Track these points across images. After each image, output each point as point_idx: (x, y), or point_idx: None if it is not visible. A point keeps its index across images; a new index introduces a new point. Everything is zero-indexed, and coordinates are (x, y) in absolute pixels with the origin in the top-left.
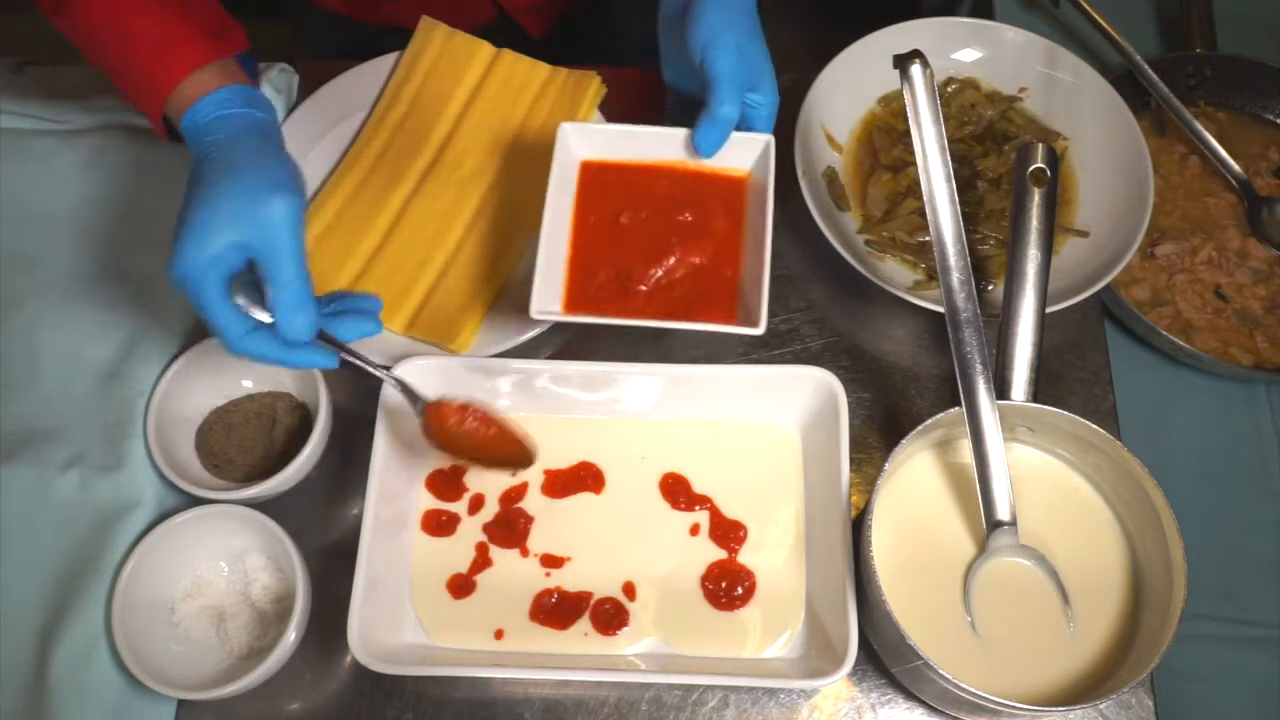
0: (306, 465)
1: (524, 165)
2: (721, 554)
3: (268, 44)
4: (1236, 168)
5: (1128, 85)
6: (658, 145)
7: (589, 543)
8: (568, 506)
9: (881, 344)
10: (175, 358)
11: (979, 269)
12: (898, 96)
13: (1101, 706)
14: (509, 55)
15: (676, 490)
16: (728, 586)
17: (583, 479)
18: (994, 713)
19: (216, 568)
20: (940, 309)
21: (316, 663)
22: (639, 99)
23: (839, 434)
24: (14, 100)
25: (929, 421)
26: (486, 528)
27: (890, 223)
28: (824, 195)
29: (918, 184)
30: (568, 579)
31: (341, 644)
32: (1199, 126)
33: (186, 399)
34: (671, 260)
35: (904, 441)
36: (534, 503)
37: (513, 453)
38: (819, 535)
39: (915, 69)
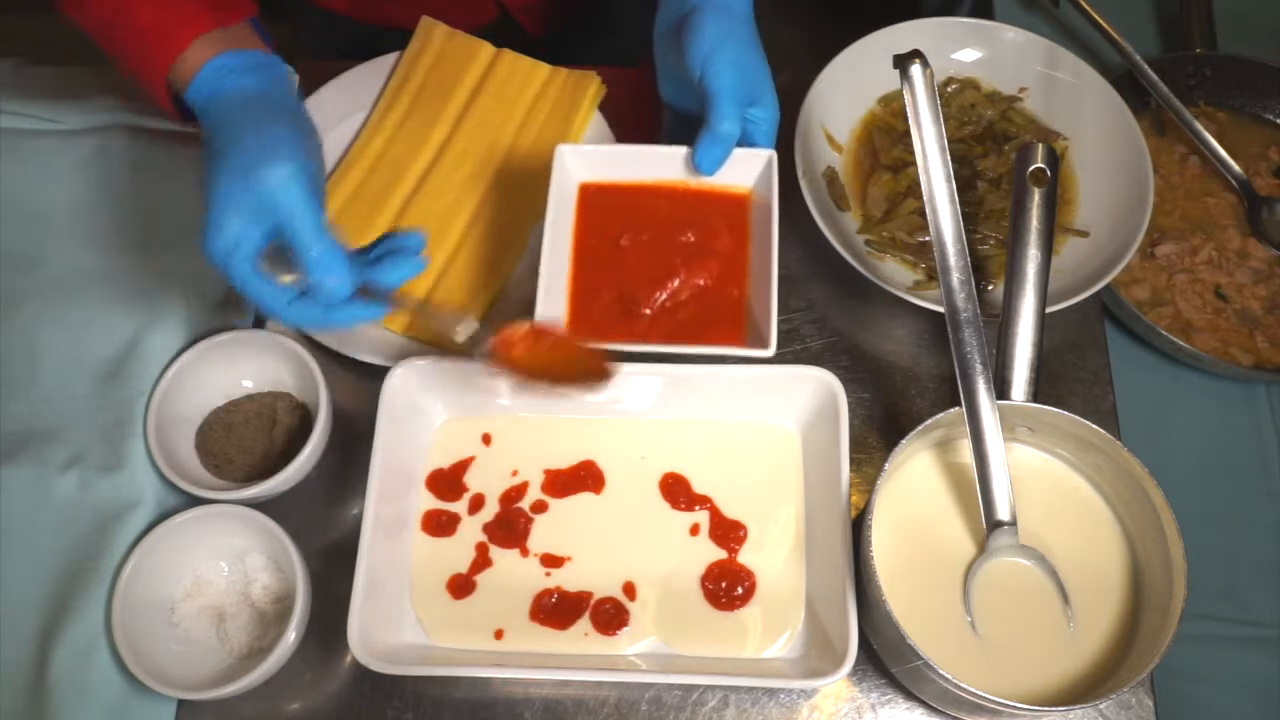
0: (306, 465)
1: (524, 165)
2: (721, 554)
3: None
4: (1236, 168)
5: (1128, 85)
6: (657, 165)
7: (589, 543)
8: (568, 506)
9: (881, 344)
10: (175, 358)
11: (979, 269)
12: (898, 96)
13: (1101, 706)
14: (509, 55)
15: (676, 490)
16: (728, 586)
17: (583, 479)
18: (994, 713)
19: (216, 568)
20: (940, 309)
21: (316, 663)
22: (639, 99)
23: (839, 434)
24: (14, 100)
25: (929, 421)
26: (486, 528)
27: (890, 223)
28: (824, 195)
29: (918, 184)
30: (568, 579)
31: (341, 644)
32: (1199, 126)
33: (186, 399)
34: (675, 282)
35: (904, 441)
36: (534, 503)
37: (589, 368)
38: (819, 535)
39: (915, 69)
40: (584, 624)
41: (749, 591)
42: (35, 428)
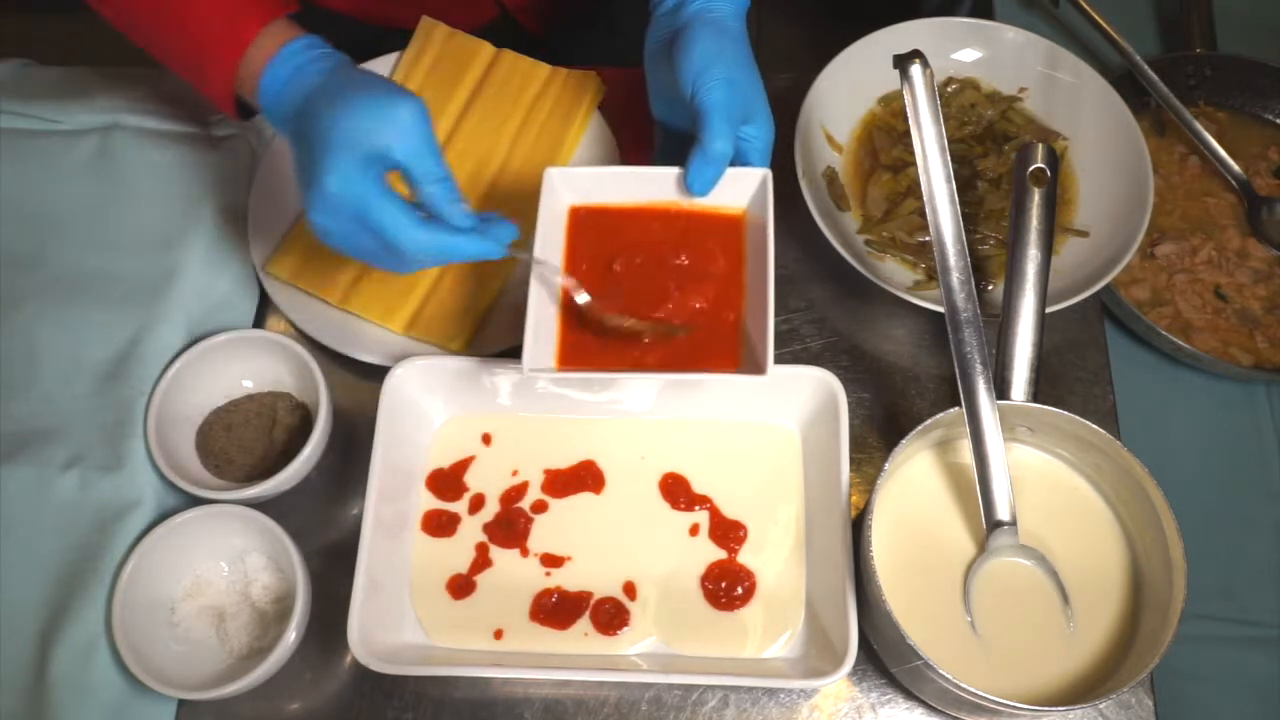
0: (306, 465)
1: (525, 165)
2: (721, 554)
3: None
4: (1236, 168)
5: (1128, 85)
6: (648, 186)
7: (589, 543)
8: (568, 506)
9: (881, 344)
10: (175, 358)
11: (979, 269)
12: (898, 96)
13: (1101, 706)
14: (509, 55)
15: (676, 490)
16: (728, 586)
17: (583, 479)
18: (994, 713)
19: (216, 568)
20: (940, 309)
21: (316, 663)
22: (639, 99)
23: (839, 434)
24: (14, 100)
25: (929, 421)
26: (486, 528)
27: (890, 223)
28: (824, 195)
29: (918, 184)
30: (568, 579)
31: (341, 644)
32: (1199, 126)
33: (186, 399)
34: (669, 306)
35: (904, 441)
36: (534, 503)
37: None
38: (819, 535)
39: (915, 69)
40: (584, 624)
41: (749, 591)
42: (35, 428)
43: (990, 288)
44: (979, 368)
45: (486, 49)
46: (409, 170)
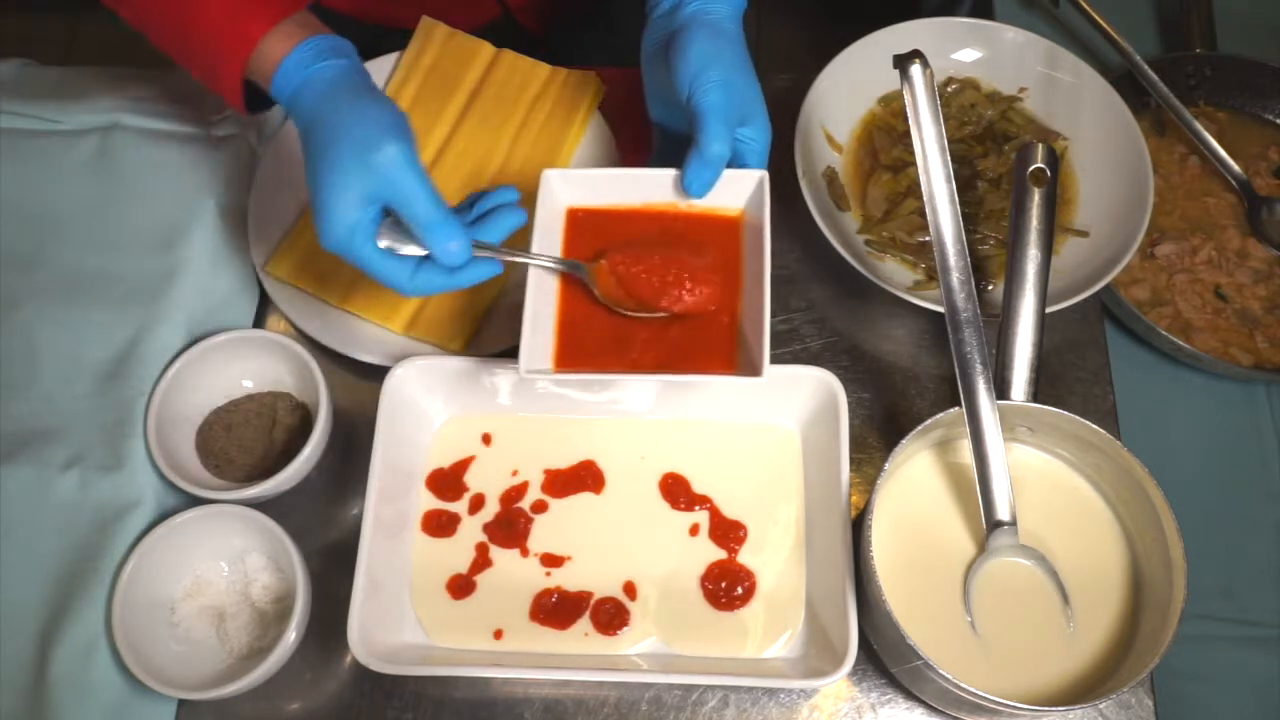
0: (306, 465)
1: (525, 165)
2: (721, 554)
3: None
4: (1236, 168)
5: (1128, 85)
6: (645, 188)
7: (589, 543)
8: (568, 506)
9: (881, 344)
10: (175, 358)
11: (979, 269)
12: (898, 96)
13: (1101, 706)
14: (509, 55)
15: (676, 490)
16: (728, 586)
17: (583, 479)
18: (994, 713)
19: (216, 568)
20: (940, 309)
21: (316, 663)
22: (639, 99)
23: (839, 434)
24: (14, 100)
25: (929, 421)
26: (486, 528)
27: (890, 223)
28: (824, 195)
29: (918, 184)
30: (568, 579)
31: (341, 644)
32: (1199, 126)
33: (186, 399)
34: (665, 306)
35: (904, 441)
36: (534, 503)
37: (695, 272)
38: (819, 535)
39: (915, 69)
40: (584, 624)
41: (749, 591)
42: (35, 428)
43: (990, 288)
44: (979, 368)
45: (486, 49)
46: (398, 213)
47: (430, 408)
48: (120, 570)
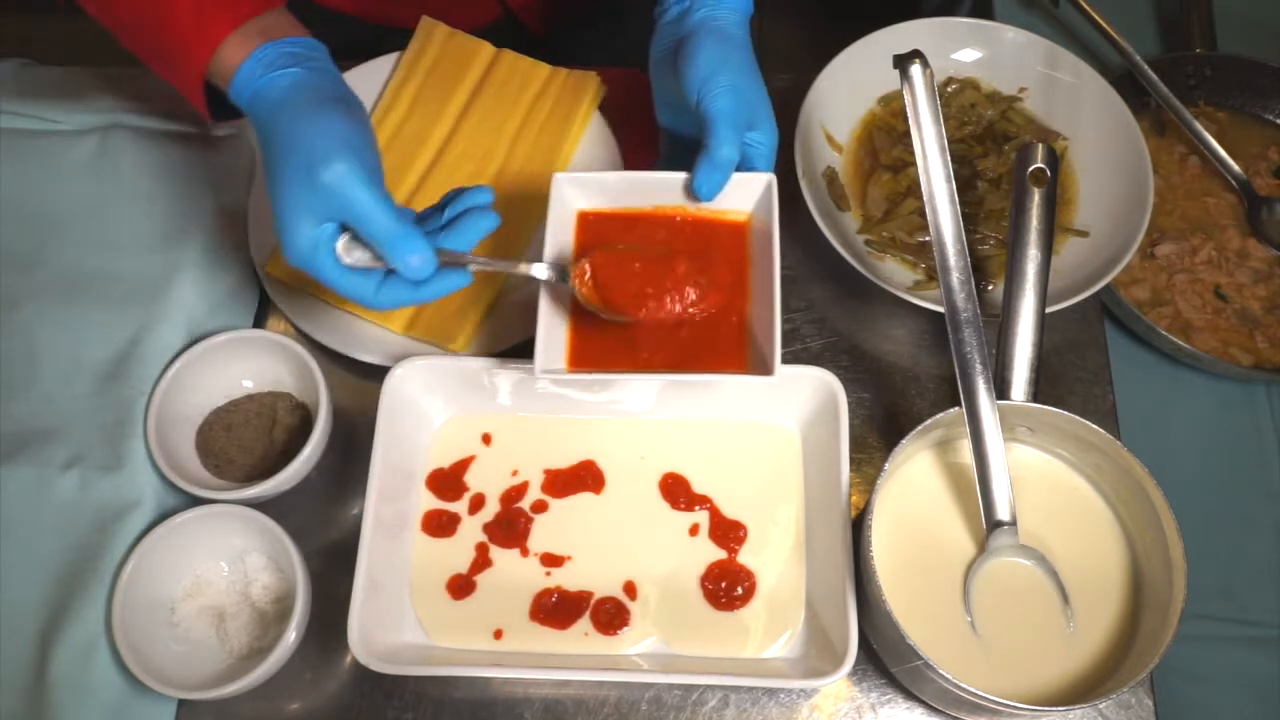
0: (306, 465)
1: (525, 166)
2: (721, 554)
3: None
4: (1236, 168)
5: (1128, 85)
6: (655, 191)
7: (589, 543)
8: (568, 506)
9: (881, 344)
10: (175, 358)
11: (979, 269)
12: (898, 96)
13: (1101, 706)
14: (509, 55)
15: (676, 490)
16: (728, 586)
17: (583, 479)
18: (994, 713)
19: (216, 568)
20: (940, 309)
21: (316, 663)
22: (639, 99)
23: (839, 434)
24: (14, 100)
25: (929, 421)
26: (486, 528)
27: (890, 223)
28: (824, 195)
29: (918, 184)
30: (568, 579)
31: (341, 644)
32: (1199, 126)
33: (186, 399)
34: (676, 309)
35: (904, 441)
36: (534, 502)
37: (679, 272)
38: (819, 535)
39: (915, 69)
40: (584, 624)
41: (749, 591)
42: (35, 428)
43: (990, 288)
44: (979, 368)
45: (486, 49)
46: (356, 230)
47: (430, 408)
48: (120, 570)
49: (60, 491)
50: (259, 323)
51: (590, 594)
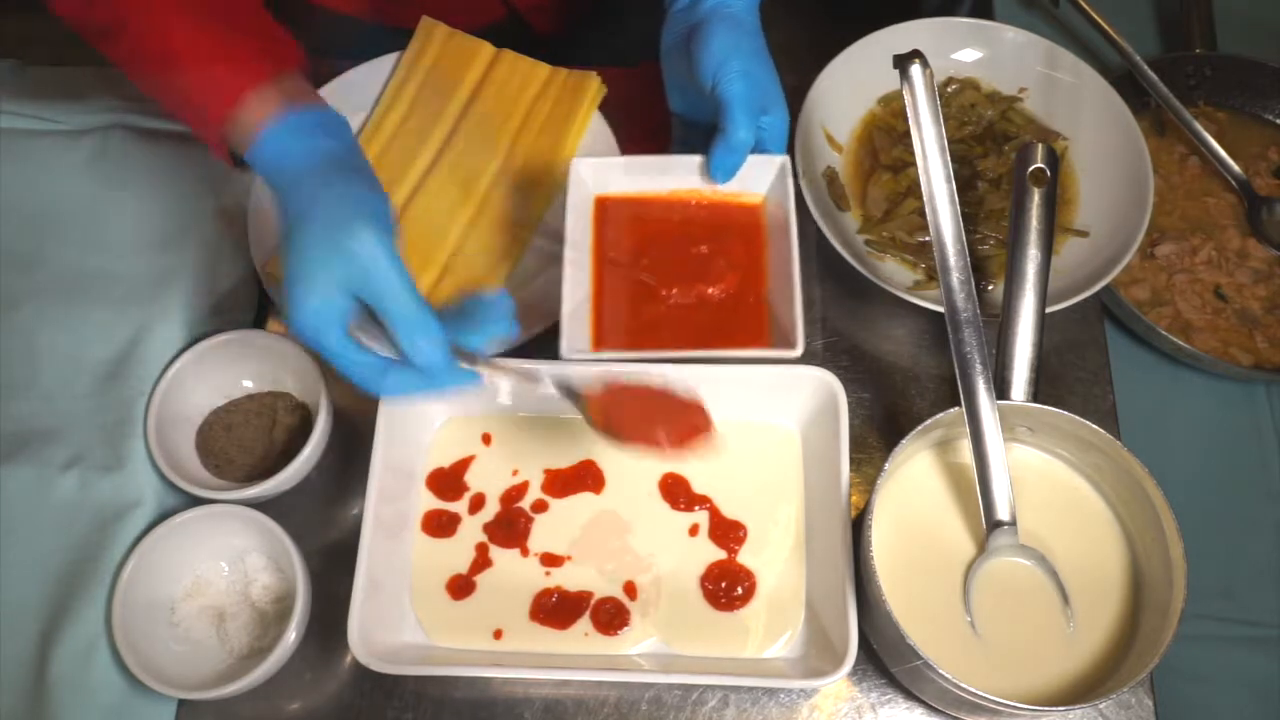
0: (306, 465)
1: (525, 166)
2: (721, 554)
3: None
4: (1236, 168)
5: (1128, 85)
6: (671, 175)
7: (589, 542)
8: (568, 506)
9: (881, 344)
10: (175, 358)
11: (979, 269)
12: (898, 96)
13: (1101, 706)
14: (509, 55)
15: (676, 490)
16: (728, 587)
17: (583, 479)
18: (994, 713)
19: (216, 568)
20: (940, 309)
21: (316, 663)
22: (639, 99)
23: (839, 434)
24: (14, 100)
25: (929, 421)
26: (487, 527)
27: (890, 223)
28: (824, 195)
29: (918, 184)
30: (568, 579)
31: (341, 644)
32: (1199, 126)
33: (186, 399)
34: (696, 291)
35: (904, 441)
36: (534, 502)
37: (691, 421)
38: (819, 535)
39: (915, 69)
40: (584, 624)
41: (749, 591)
42: (35, 428)
43: (990, 288)
44: (979, 368)
45: (486, 49)
46: (372, 306)
47: (430, 407)
48: (120, 570)
49: (60, 491)
50: (259, 323)
51: (590, 594)
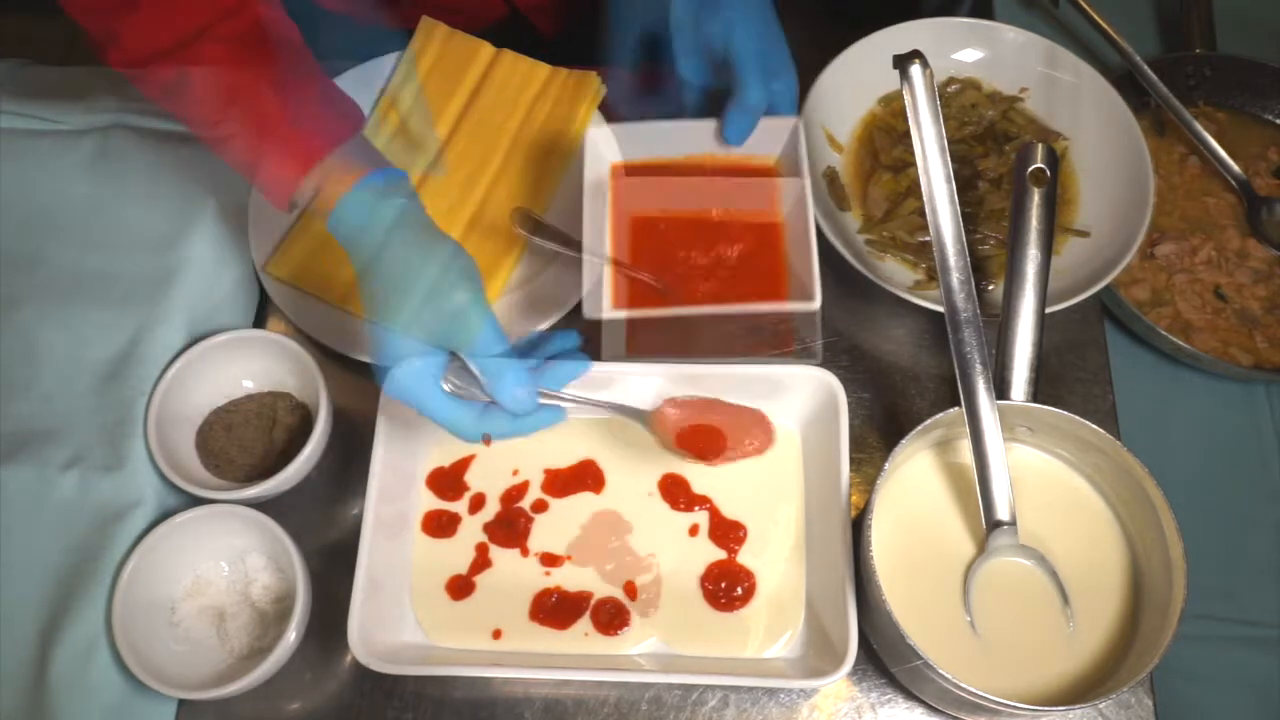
0: (306, 465)
1: (525, 166)
2: (721, 554)
3: None
4: (1236, 168)
5: (1128, 85)
6: (685, 139)
7: (589, 542)
8: (568, 506)
9: (881, 344)
10: (175, 358)
11: (979, 269)
12: (898, 96)
13: (1101, 706)
14: (509, 55)
15: (676, 490)
16: (727, 587)
17: (583, 479)
18: (994, 713)
19: (216, 568)
20: (940, 309)
21: (316, 663)
22: (641, 99)
23: (839, 434)
24: (14, 100)
25: (929, 421)
26: (487, 527)
27: (890, 223)
28: (824, 195)
29: (918, 184)
30: (568, 579)
31: (341, 644)
32: (1199, 126)
33: (186, 399)
34: (713, 253)
35: (904, 441)
36: (534, 502)
37: (755, 430)
38: (819, 535)
39: (915, 69)
40: (584, 624)
41: (749, 592)
42: (35, 428)
43: (990, 288)
44: (979, 368)
45: (486, 49)
46: (466, 360)
47: None
48: (120, 570)
49: (60, 491)
50: (259, 323)
51: (590, 594)
